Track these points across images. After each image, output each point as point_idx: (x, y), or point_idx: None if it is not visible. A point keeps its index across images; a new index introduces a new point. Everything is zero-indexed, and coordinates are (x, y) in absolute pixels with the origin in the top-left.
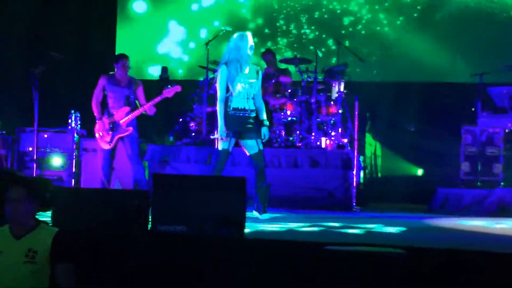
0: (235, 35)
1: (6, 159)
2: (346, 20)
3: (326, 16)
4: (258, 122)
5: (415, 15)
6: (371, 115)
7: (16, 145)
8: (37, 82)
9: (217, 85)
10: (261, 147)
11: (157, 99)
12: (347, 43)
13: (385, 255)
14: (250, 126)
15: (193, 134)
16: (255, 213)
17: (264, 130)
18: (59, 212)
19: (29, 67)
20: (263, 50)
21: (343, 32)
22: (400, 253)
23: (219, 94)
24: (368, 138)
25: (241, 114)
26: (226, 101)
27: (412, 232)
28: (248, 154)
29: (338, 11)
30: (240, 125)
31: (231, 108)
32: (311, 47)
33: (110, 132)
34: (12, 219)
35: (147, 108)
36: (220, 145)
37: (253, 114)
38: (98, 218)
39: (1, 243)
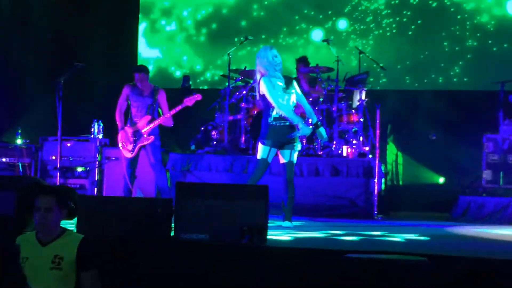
0: (264, 49)
1: (30, 167)
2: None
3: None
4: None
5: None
6: (392, 123)
7: (39, 154)
8: (61, 91)
9: (268, 95)
10: (292, 159)
11: (178, 107)
12: (368, 50)
13: (407, 263)
14: (289, 136)
15: (215, 142)
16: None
17: (321, 131)
18: (84, 220)
19: (53, 76)
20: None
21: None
22: (422, 261)
23: (273, 100)
24: (390, 146)
25: (281, 124)
26: (268, 112)
27: (434, 240)
28: (281, 162)
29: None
30: (282, 135)
31: (272, 118)
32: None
33: (132, 140)
34: (41, 227)
35: (169, 116)
36: (259, 154)
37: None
38: (122, 226)
39: (27, 249)
